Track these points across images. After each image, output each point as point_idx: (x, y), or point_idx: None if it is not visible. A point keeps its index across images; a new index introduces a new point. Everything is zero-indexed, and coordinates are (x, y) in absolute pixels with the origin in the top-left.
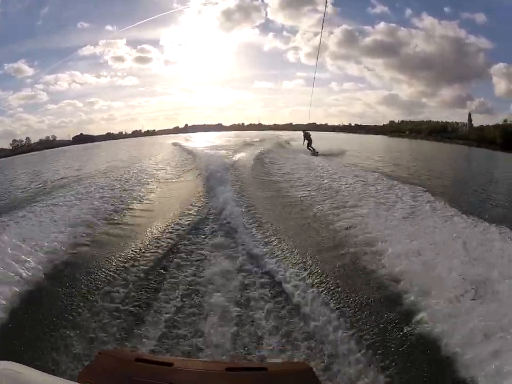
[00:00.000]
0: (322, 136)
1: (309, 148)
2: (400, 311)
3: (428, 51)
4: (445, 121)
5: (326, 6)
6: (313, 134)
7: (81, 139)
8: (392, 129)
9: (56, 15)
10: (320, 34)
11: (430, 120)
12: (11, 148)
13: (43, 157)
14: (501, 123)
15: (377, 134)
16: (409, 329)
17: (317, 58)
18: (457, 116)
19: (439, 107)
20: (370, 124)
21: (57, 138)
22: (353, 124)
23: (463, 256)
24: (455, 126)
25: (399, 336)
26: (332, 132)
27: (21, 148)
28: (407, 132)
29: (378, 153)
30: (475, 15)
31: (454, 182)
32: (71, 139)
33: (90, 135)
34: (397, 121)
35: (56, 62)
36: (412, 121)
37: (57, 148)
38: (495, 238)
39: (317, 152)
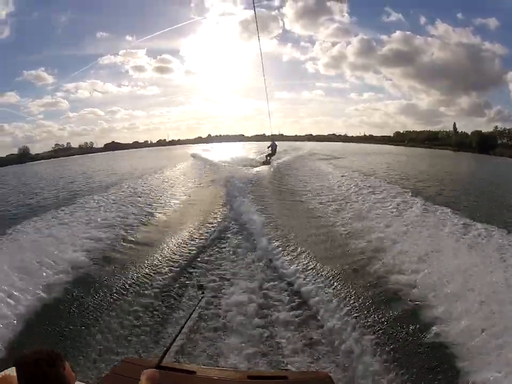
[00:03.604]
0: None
1: (267, 157)
2: (423, 326)
3: (444, 59)
4: (462, 130)
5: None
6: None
7: (112, 147)
8: (397, 139)
9: (74, 24)
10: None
11: (430, 130)
12: (53, 151)
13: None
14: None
15: (385, 144)
16: (431, 343)
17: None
18: (475, 125)
19: (457, 116)
20: (389, 135)
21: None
22: (368, 134)
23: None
24: (448, 134)
25: (420, 350)
26: (344, 143)
27: (63, 152)
28: (406, 142)
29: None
30: (488, 20)
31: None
32: (102, 146)
33: (121, 143)
34: (402, 132)
35: (75, 70)
36: (414, 131)
37: (91, 154)
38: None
39: (269, 162)
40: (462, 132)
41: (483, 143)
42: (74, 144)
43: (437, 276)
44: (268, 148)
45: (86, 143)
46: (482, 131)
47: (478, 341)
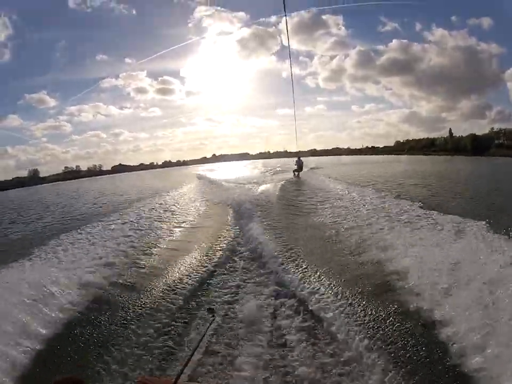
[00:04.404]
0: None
1: (295, 172)
2: (443, 355)
3: (442, 64)
4: (460, 135)
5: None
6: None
7: (119, 169)
8: (397, 149)
9: (74, 47)
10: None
11: (428, 137)
12: (62, 173)
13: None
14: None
15: (387, 154)
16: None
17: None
18: (478, 127)
19: (459, 120)
20: (390, 145)
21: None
22: (370, 146)
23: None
24: (445, 139)
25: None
26: (347, 156)
27: (72, 175)
28: (406, 150)
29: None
30: (481, 20)
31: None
32: (110, 169)
33: (128, 165)
34: (402, 141)
35: (77, 93)
36: (414, 140)
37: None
38: None
39: (298, 176)
40: (459, 136)
41: (478, 146)
42: (83, 167)
43: (451, 286)
44: (295, 164)
45: (95, 165)
46: (478, 134)
47: (480, 341)
